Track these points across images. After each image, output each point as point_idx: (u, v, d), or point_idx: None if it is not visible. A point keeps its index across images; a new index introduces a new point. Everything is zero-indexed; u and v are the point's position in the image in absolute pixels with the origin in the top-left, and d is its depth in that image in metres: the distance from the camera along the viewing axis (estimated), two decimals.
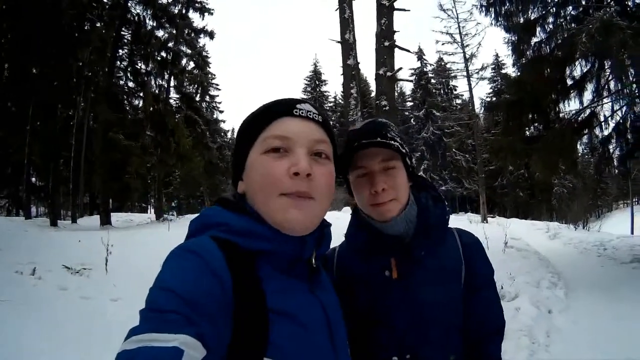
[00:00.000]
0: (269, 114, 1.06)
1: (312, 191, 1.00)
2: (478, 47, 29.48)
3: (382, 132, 1.37)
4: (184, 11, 22.67)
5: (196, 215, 1.09)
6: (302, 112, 1.05)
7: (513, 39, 12.47)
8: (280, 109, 1.06)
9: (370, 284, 1.40)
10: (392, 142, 1.35)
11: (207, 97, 41.95)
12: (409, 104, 53.70)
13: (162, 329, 0.76)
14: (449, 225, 1.51)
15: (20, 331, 4.92)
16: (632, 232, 22.06)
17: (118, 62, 20.78)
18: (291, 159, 1.00)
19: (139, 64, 21.59)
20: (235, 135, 1.15)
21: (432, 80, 49.09)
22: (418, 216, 1.44)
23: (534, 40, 11.71)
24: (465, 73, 29.07)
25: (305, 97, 59.47)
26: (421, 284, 1.36)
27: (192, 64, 26.12)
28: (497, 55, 43.90)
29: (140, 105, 21.91)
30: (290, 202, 0.98)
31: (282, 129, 1.03)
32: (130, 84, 22.02)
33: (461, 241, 1.48)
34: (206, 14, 23.28)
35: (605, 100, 11.36)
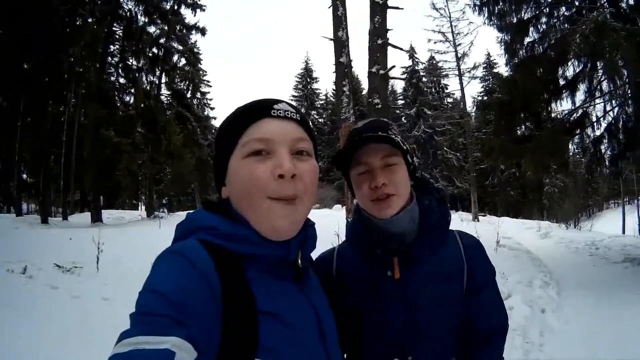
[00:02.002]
0: (247, 116, 1.05)
1: (298, 191, 1.00)
2: (470, 46, 29.62)
3: (383, 128, 1.38)
4: (175, 7, 22.56)
5: (184, 215, 1.09)
6: (280, 112, 1.05)
7: (506, 38, 12.53)
8: (258, 110, 1.05)
9: (371, 284, 1.40)
10: (395, 137, 1.35)
11: (199, 93, 41.82)
12: (400, 102, 53.72)
13: (152, 331, 0.76)
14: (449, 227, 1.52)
15: (10, 330, 4.87)
16: (623, 232, 22.21)
17: (109, 58, 20.66)
18: (274, 160, 1.00)
19: (130, 60, 21.55)
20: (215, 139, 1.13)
21: (424, 79, 49.19)
22: (420, 216, 1.44)
23: (527, 40, 11.79)
24: (457, 72, 29.19)
25: (296, 94, 59.57)
26: (423, 285, 1.36)
27: (183, 61, 26.01)
28: (489, 55, 44.04)
29: (131, 101, 21.84)
30: (277, 208, 0.98)
31: (262, 130, 1.02)
32: (122, 80, 21.95)
33: (462, 243, 1.48)
34: (198, 10, 23.19)
35: (597, 101, 11.44)
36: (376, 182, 1.35)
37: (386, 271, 1.39)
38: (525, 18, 11.69)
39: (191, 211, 1.15)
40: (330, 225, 6.38)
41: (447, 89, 50.19)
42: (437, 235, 1.44)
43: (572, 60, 10.44)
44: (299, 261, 1.07)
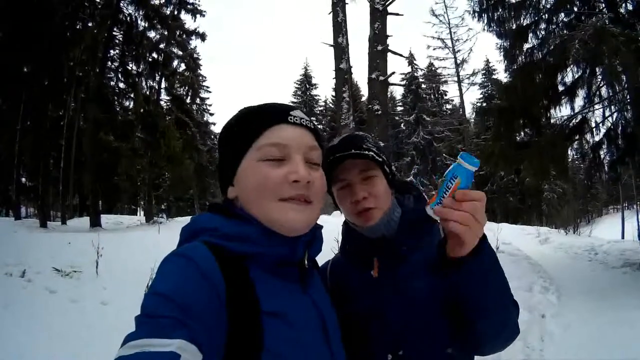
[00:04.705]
0: (263, 119, 1.06)
1: (310, 195, 1.03)
2: (469, 53, 29.72)
3: (357, 144, 1.42)
4: (176, 12, 22.48)
5: (187, 220, 1.09)
6: (296, 120, 1.07)
7: (505, 44, 12.55)
8: (275, 115, 1.06)
9: (359, 287, 1.44)
10: (367, 152, 1.40)
11: (198, 99, 41.86)
12: (400, 108, 53.71)
13: (157, 333, 0.76)
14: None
15: (9, 334, 4.86)
16: (622, 237, 22.03)
17: (109, 63, 20.61)
18: (289, 166, 1.02)
19: (130, 65, 21.47)
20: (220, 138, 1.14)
21: (423, 86, 49.20)
22: (401, 216, 1.49)
23: (526, 46, 11.79)
24: (456, 78, 29.25)
25: (295, 100, 59.42)
26: (407, 279, 1.39)
27: (183, 66, 25.99)
28: (488, 61, 44.04)
29: (131, 106, 21.82)
30: (289, 206, 1.00)
31: (279, 136, 1.03)
32: (121, 85, 21.89)
33: None
34: (198, 15, 23.09)
35: (596, 107, 11.44)
36: (356, 196, 1.41)
37: (369, 271, 1.44)
38: (524, 24, 11.70)
39: (196, 215, 1.16)
40: (330, 231, 6.34)
41: (446, 95, 50.32)
42: (415, 232, 1.45)
43: (571, 66, 10.42)
44: (305, 262, 1.08)
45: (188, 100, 28.76)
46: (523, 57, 11.87)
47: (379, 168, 1.43)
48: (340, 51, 10.87)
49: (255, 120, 1.06)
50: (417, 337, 1.34)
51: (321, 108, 61.78)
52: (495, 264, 1.18)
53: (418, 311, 1.35)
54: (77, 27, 18.92)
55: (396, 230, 1.46)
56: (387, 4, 10.96)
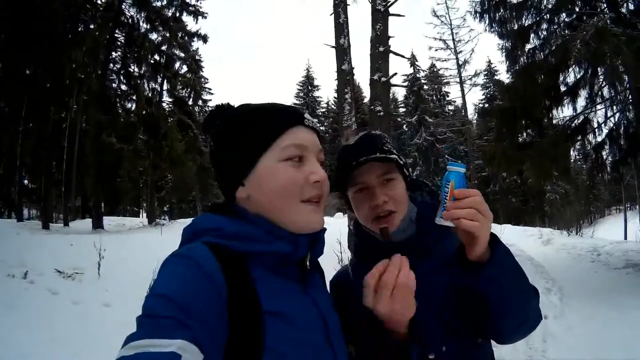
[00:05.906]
0: (284, 120, 1.07)
1: (323, 195, 1.07)
2: (471, 54, 29.64)
3: (379, 146, 1.37)
4: (177, 14, 22.54)
5: (186, 222, 1.10)
6: (310, 123, 1.09)
7: (507, 45, 12.57)
8: (294, 117, 1.08)
9: None
10: (391, 155, 1.35)
11: (200, 101, 41.83)
12: (402, 110, 53.73)
13: (158, 334, 0.76)
14: None
15: (11, 335, 4.86)
16: (625, 238, 21.96)
17: (111, 65, 20.64)
18: (308, 167, 1.05)
19: (132, 67, 21.53)
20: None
21: (425, 87, 49.18)
22: (418, 212, 1.45)
23: (528, 46, 11.81)
24: (458, 79, 29.22)
25: (297, 102, 59.50)
26: (431, 275, 1.34)
27: (185, 68, 25.97)
28: (489, 62, 44.06)
29: (133, 108, 21.84)
30: (311, 208, 1.04)
31: (299, 137, 1.05)
32: (123, 87, 21.91)
33: None
34: (200, 17, 23.15)
35: (598, 107, 11.43)
36: (377, 201, 1.35)
37: None
38: (526, 25, 11.72)
39: (198, 216, 1.17)
40: (333, 233, 6.37)
41: (448, 96, 50.28)
42: (438, 229, 1.36)
43: (573, 66, 10.41)
44: (307, 262, 1.09)
45: (190, 102, 28.73)
46: (525, 57, 11.89)
47: (399, 171, 1.40)
48: (342, 52, 10.82)
49: (275, 120, 1.06)
50: (447, 333, 1.33)
51: (323, 109, 61.77)
52: (513, 260, 1.22)
53: (445, 306, 1.33)
54: (79, 29, 18.93)
55: (415, 230, 1.42)
56: (388, 5, 10.96)
